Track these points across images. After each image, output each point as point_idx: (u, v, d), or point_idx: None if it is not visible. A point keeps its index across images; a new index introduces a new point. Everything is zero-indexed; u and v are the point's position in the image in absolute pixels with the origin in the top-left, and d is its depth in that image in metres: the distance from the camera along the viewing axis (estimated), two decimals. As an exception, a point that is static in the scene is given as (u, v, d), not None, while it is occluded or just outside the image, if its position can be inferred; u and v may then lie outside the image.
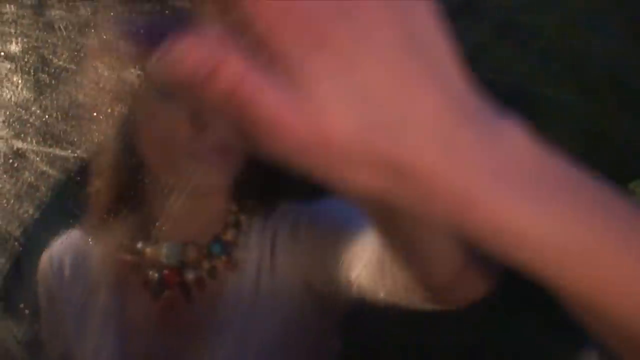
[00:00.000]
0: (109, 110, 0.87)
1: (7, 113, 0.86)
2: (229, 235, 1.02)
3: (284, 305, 0.99)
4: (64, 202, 0.98)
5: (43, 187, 0.91)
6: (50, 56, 0.86)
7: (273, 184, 1.01)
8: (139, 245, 1.02)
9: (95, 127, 0.87)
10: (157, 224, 1.00)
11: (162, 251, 1.01)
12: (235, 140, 0.92)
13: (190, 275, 1.01)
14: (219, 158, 0.93)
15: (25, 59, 0.85)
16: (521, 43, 1.72)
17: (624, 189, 1.46)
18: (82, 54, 0.86)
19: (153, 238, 1.01)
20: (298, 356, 1.01)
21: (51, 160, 0.89)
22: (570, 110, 1.65)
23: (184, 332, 1.00)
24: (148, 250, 1.02)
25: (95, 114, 0.86)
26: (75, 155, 0.89)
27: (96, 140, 0.88)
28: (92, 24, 0.85)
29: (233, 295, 0.99)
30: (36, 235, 1.04)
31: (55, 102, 0.86)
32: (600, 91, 1.69)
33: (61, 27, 0.84)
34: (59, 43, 0.85)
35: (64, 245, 1.09)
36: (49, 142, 0.89)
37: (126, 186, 0.98)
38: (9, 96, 0.85)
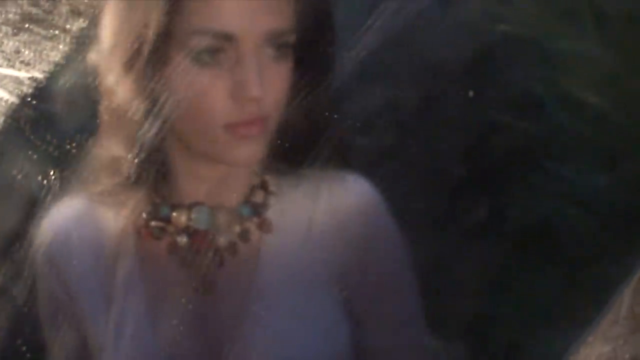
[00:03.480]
0: (67, 26, 0.80)
1: (-50, 26, 0.80)
2: (257, 197, 1.03)
3: (327, 267, 1.01)
4: (20, 129, 0.92)
5: (-5, 113, 0.87)
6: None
7: (295, 144, 1.00)
8: (164, 211, 1.01)
9: (51, 44, 0.80)
10: (183, 189, 1.00)
11: (192, 216, 1.00)
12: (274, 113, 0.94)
13: (221, 239, 1.01)
14: (256, 131, 0.93)
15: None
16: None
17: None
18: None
19: (179, 203, 1.01)
20: (345, 315, 1.02)
21: (3, 82, 0.82)
22: (595, 64, 1.65)
23: (218, 300, 1.00)
24: (174, 215, 1.01)
25: (51, 29, 0.79)
26: (31, 76, 0.82)
27: (54, 59, 0.81)
28: None
29: (270, 258, 1.01)
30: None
31: (5, 14, 0.79)
32: (626, 44, 1.68)
33: None
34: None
35: (66, 215, 1.06)
36: (-1, 61, 0.84)
37: (150, 154, 0.96)
38: (-49, 8, 0.79)
